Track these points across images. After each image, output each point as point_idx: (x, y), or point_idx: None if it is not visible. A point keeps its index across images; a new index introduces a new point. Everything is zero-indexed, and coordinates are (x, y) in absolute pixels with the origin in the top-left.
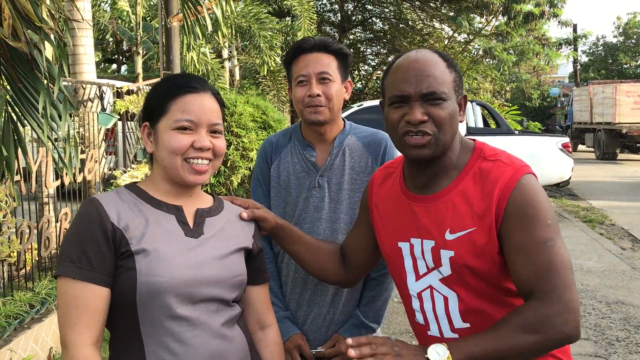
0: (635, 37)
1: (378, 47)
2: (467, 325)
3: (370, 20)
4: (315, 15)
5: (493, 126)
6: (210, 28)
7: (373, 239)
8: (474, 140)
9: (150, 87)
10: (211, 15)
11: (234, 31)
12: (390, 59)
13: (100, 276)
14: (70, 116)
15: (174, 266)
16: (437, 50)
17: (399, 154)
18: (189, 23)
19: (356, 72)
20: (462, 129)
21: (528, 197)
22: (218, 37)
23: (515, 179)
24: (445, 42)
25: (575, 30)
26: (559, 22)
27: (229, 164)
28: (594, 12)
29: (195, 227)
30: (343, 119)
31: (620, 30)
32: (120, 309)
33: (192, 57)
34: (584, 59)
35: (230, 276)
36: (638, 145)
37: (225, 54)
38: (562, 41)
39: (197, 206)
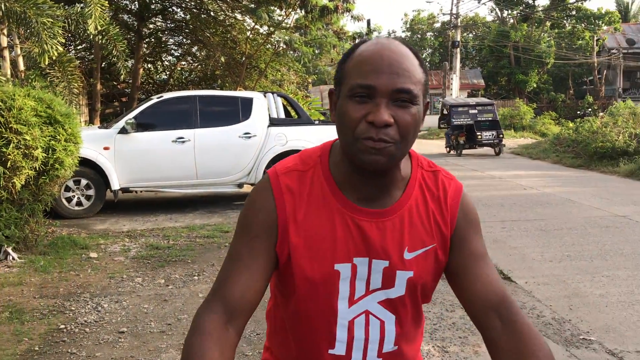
0: (420, 32)
1: (181, 37)
2: (396, 347)
3: (171, 9)
4: (106, 2)
5: (295, 116)
6: None
7: (268, 273)
8: None
9: None
10: None
11: (6, 17)
12: (194, 49)
13: None
14: None
15: None
16: (407, 43)
17: None
18: None
19: (159, 63)
20: (265, 120)
21: (472, 206)
22: None
23: (460, 190)
24: (248, 34)
25: (369, 24)
26: (352, 16)
27: (9, 165)
28: (384, 9)
29: None
30: None
31: (408, 25)
32: None
33: None
34: None
35: None
36: None
37: (4, 41)
38: (357, 35)
39: None
